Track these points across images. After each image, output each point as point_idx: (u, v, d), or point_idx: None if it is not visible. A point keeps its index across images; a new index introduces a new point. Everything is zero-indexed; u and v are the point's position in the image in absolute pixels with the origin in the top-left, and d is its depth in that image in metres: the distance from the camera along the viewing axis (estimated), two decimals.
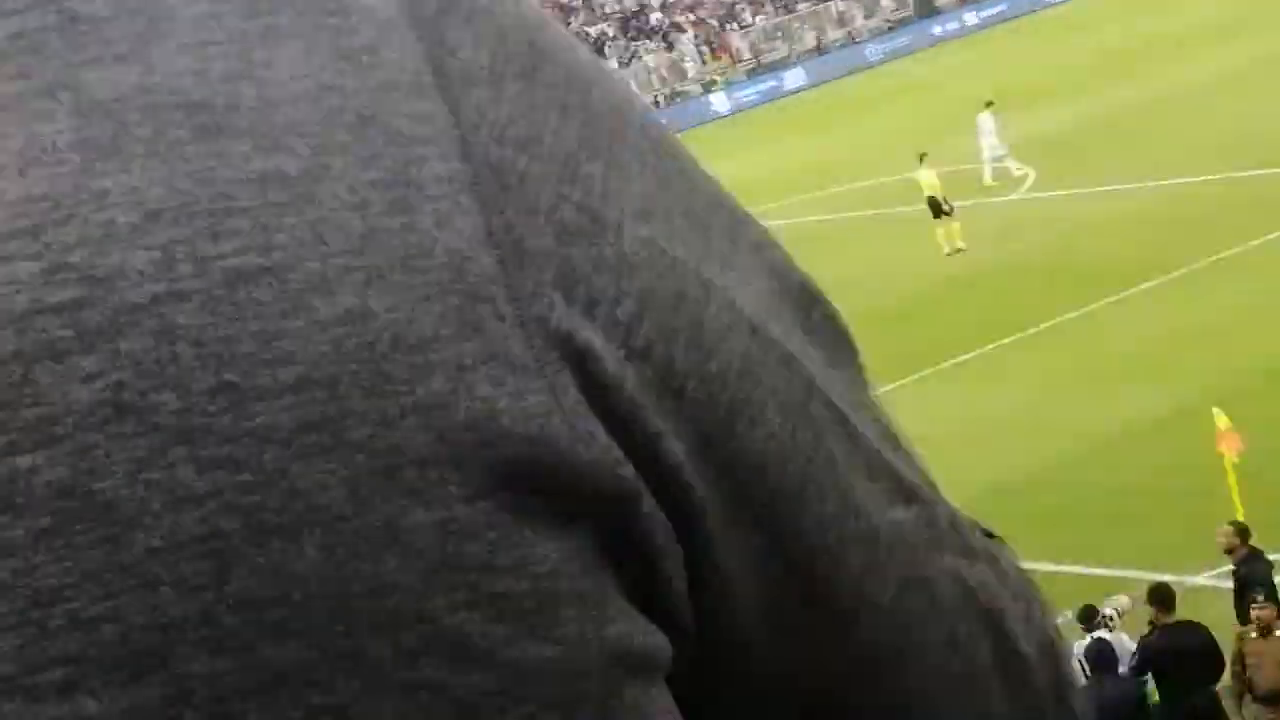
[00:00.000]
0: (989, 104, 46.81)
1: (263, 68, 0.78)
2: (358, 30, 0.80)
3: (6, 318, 0.72)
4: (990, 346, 31.22)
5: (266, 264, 0.75)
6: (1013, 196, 41.48)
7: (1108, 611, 16.98)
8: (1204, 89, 48.92)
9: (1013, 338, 31.35)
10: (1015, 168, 45.30)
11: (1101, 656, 15.61)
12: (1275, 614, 14.88)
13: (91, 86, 0.76)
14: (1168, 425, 24.64)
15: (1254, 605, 15.38)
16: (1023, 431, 26.64)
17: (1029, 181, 44.45)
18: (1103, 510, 22.69)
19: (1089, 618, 16.84)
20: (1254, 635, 15.17)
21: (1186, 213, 36.56)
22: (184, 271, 0.74)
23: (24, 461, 0.71)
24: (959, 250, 39.40)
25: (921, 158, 41.46)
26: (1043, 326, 31.43)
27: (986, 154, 46.02)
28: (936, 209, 40.52)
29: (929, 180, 40.92)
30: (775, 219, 50.55)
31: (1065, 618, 18.10)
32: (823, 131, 66.40)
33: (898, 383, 30.64)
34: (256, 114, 0.77)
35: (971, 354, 31.15)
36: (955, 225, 40.26)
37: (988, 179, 45.83)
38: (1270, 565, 17.21)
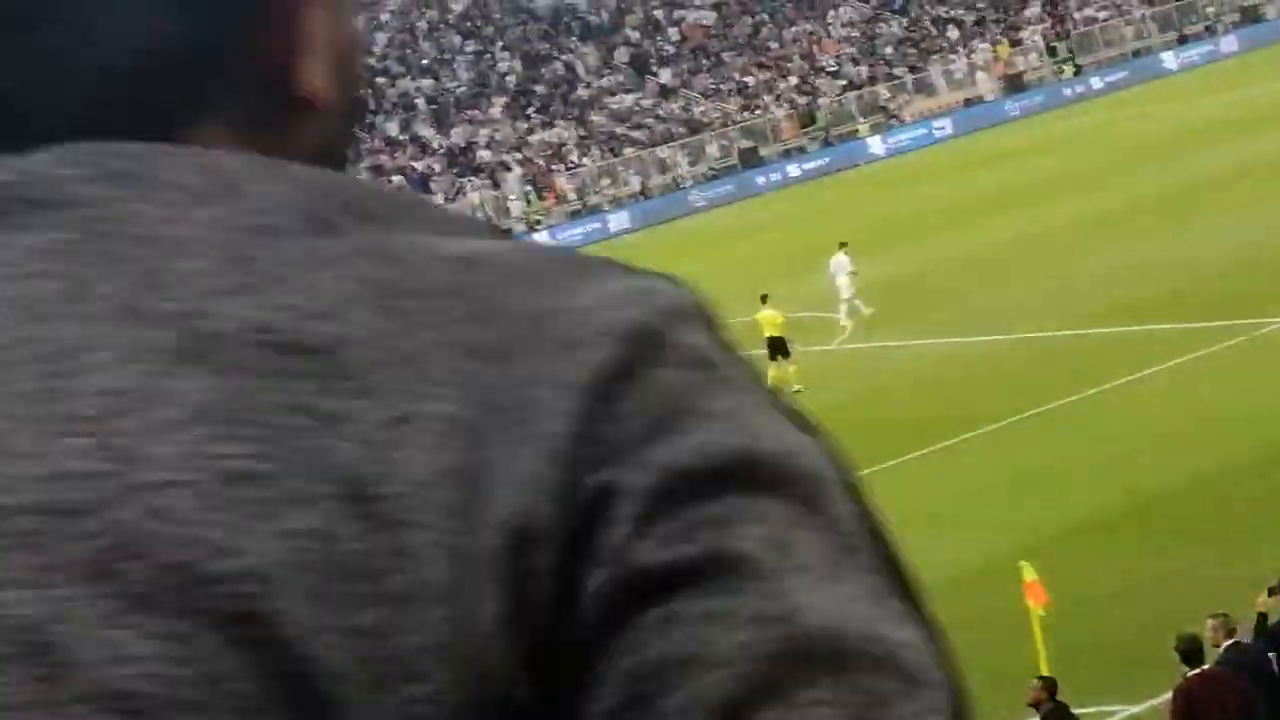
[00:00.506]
0: (843, 245, 47.61)
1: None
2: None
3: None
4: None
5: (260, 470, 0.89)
6: (830, 346, 41.93)
7: None
8: (1019, 247, 49.90)
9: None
10: (863, 306, 46.03)
11: None
12: None
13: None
14: (973, 578, 24.85)
15: None
16: None
17: (846, 333, 44.98)
18: None
19: None
20: None
21: (998, 369, 37.15)
22: (192, 465, 0.88)
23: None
24: (796, 392, 39.67)
25: (764, 298, 41.79)
26: (863, 472, 31.58)
27: (843, 293, 46.81)
28: (776, 349, 40.79)
29: (772, 319, 41.19)
30: None
31: None
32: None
33: None
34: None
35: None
36: (792, 368, 40.66)
37: (842, 319, 46.54)
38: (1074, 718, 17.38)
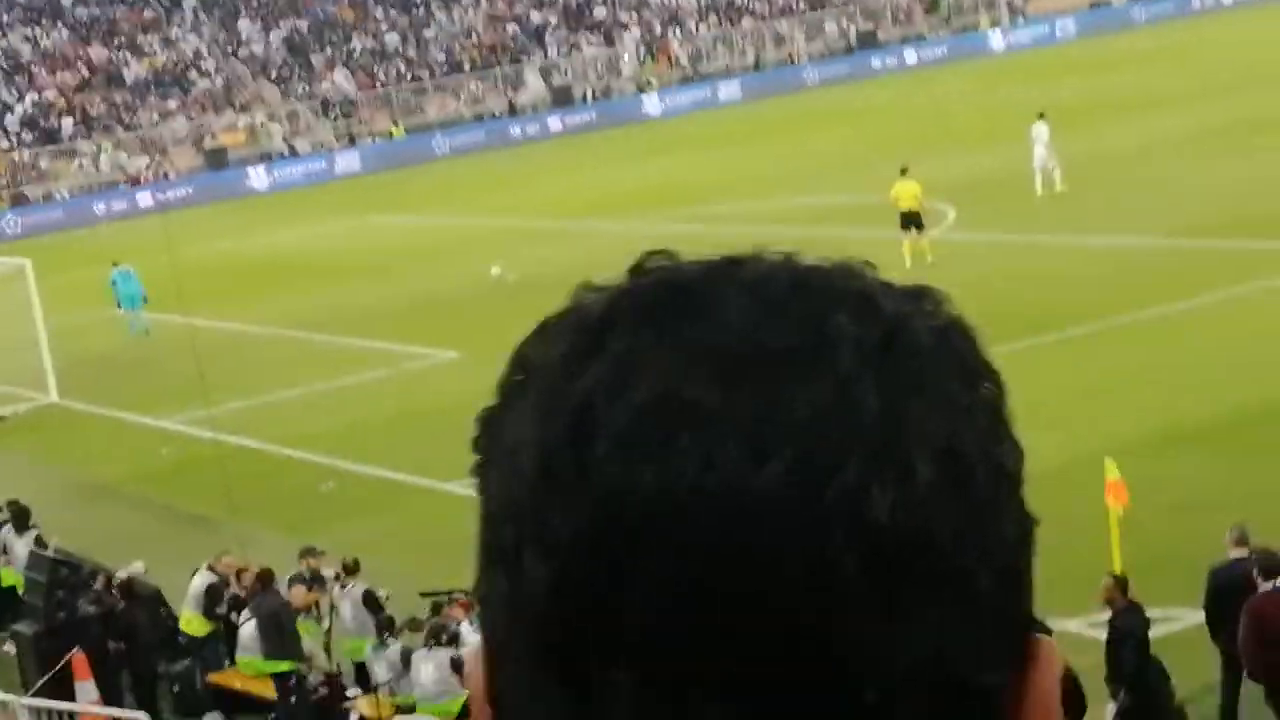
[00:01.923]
0: (1041, 115, 47.83)
1: None
2: None
3: None
4: None
5: None
6: (933, 233, 41.76)
7: None
8: (1133, 154, 49.49)
9: None
10: (1060, 180, 46.41)
11: None
12: None
13: None
14: (1055, 473, 24.86)
15: None
16: None
17: (949, 219, 44.76)
18: None
19: None
20: None
21: (1104, 270, 36.98)
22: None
23: None
24: (929, 265, 39.79)
25: (904, 171, 41.78)
26: None
27: (1037, 162, 47.17)
28: (910, 222, 40.78)
29: (911, 191, 41.14)
30: (698, 223, 50.78)
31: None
32: (755, 145, 66.75)
33: None
34: None
35: None
36: (925, 241, 40.69)
37: (1039, 188, 46.87)
38: (1147, 620, 17.39)
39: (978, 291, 37.01)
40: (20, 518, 25.34)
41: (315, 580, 21.60)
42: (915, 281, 1.27)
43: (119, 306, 48.08)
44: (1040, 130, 47.35)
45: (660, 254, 1.27)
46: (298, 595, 21.22)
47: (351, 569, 21.52)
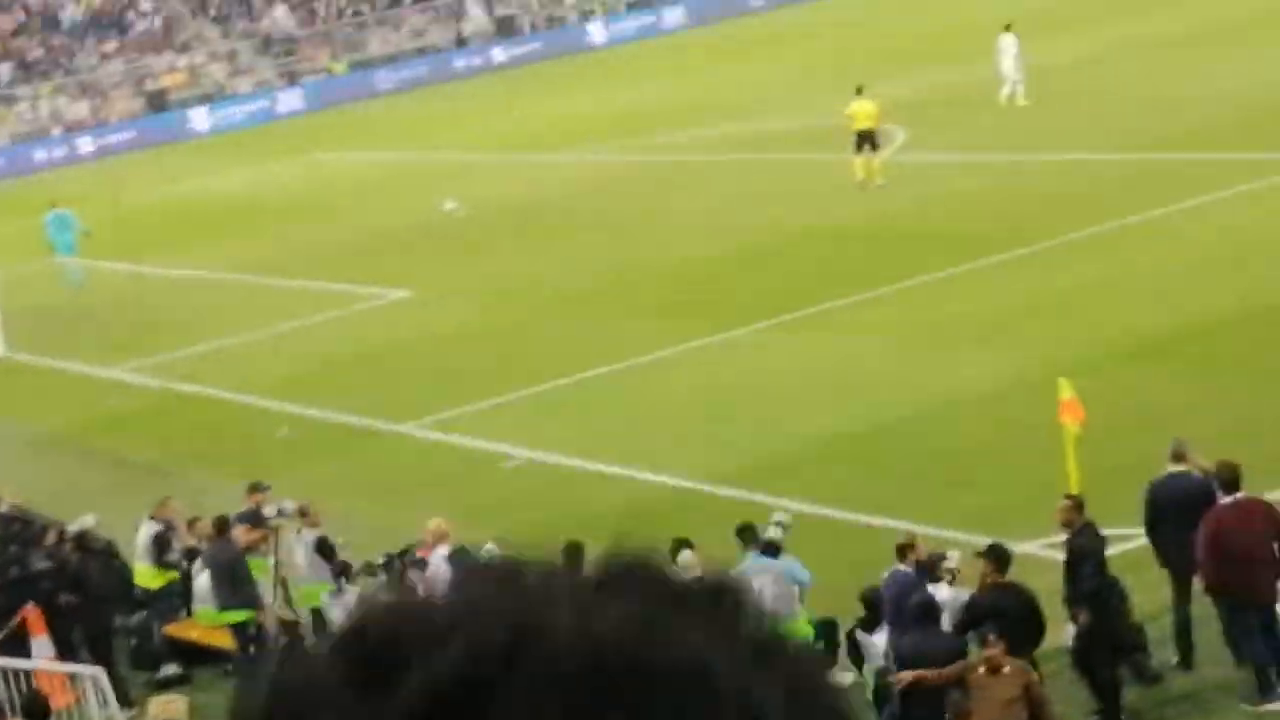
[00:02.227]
0: (1008, 26, 48.04)
1: None
2: None
3: None
4: (844, 300, 31.34)
5: None
6: (880, 156, 41.61)
7: (951, 564, 17.04)
8: (1074, 70, 49.42)
9: (867, 294, 31.48)
10: (1022, 95, 46.64)
11: (927, 610, 15.70)
12: (1004, 652, 14.69)
13: None
14: (1009, 393, 24.89)
15: (986, 644, 15.01)
16: (868, 385, 26.82)
17: (900, 140, 44.60)
18: (938, 470, 22.90)
19: (932, 567, 16.87)
20: (982, 671, 14.96)
21: (1048, 189, 36.93)
22: None
23: None
24: (878, 186, 39.78)
25: (859, 90, 41.68)
26: (897, 286, 31.60)
27: (1004, 74, 47.41)
28: (864, 141, 40.72)
29: (867, 110, 41.10)
30: (646, 154, 50.56)
31: (901, 568, 18.24)
32: (702, 72, 66.49)
33: (751, 326, 30.79)
34: None
35: (825, 305, 31.25)
36: (877, 162, 40.64)
37: (1003, 98, 47.14)
38: (1103, 540, 17.38)
39: (930, 211, 37.05)
40: None
41: (257, 519, 21.47)
42: (707, 580, 1.40)
43: (54, 252, 47.50)
44: (1007, 42, 47.38)
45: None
46: (240, 534, 21.09)
47: (305, 514, 21.38)
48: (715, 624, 1.36)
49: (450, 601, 1.36)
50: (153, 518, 22.35)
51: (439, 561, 18.82)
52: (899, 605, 16.01)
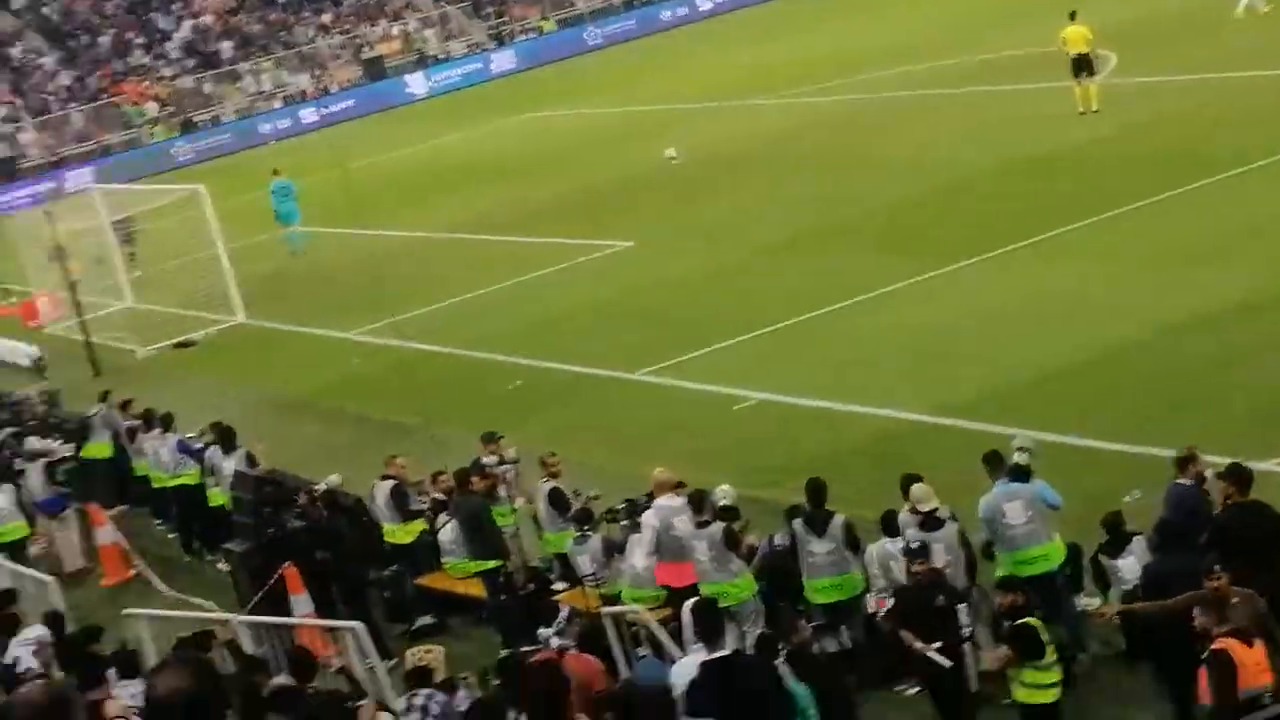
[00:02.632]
0: None
1: None
2: None
3: None
4: (1061, 229, 31.15)
5: None
6: (1096, 80, 41.18)
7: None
8: None
9: (1085, 221, 31.26)
10: (1264, 5, 46.66)
11: (1172, 530, 15.67)
12: (1229, 583, 14.13)
13: None
14: (1233, 314, 24.67)
15: (1210, 575, 14.22)
16: (1091, 312, 26.67)
17: (1112, 64, 44.11)
18: (1165, 394, 22.77)
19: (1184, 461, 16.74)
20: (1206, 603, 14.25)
21: (1269, 105, 36.35)
22: None
23: None
24: (1094, 112, 39.53)
25: (1073, 15, 41.35)
26: (1116, 212, 31.33)
27: None
28: (1081, 67, 40.42)
29: (1080, 34, 40.80)
30: (854, 94, 50.45)
31: (1133, 496, 18.26)
32: (910, 7, 66.08)
33: (970, 259, 30.75)
34: None
35: (1043, 235, 31.09)
36: (1094, 88, 40.34)
37: (1239, 12, 47.07)
38: None
39: (1146, 134, 36.65)
40: (226, 438, 25.91)
41: (485, 469, 21.92)
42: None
43: (277, 220, 48.69)
44: None
45: None
46: (475, 484, 21.49)
47: (545, 465, 21.75)
48: None
49: None
50: (384, 477, 22.91)
51: (668, 504, 19.09)
52: (1179, 519, 15.91)
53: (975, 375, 25.07)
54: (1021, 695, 14.73)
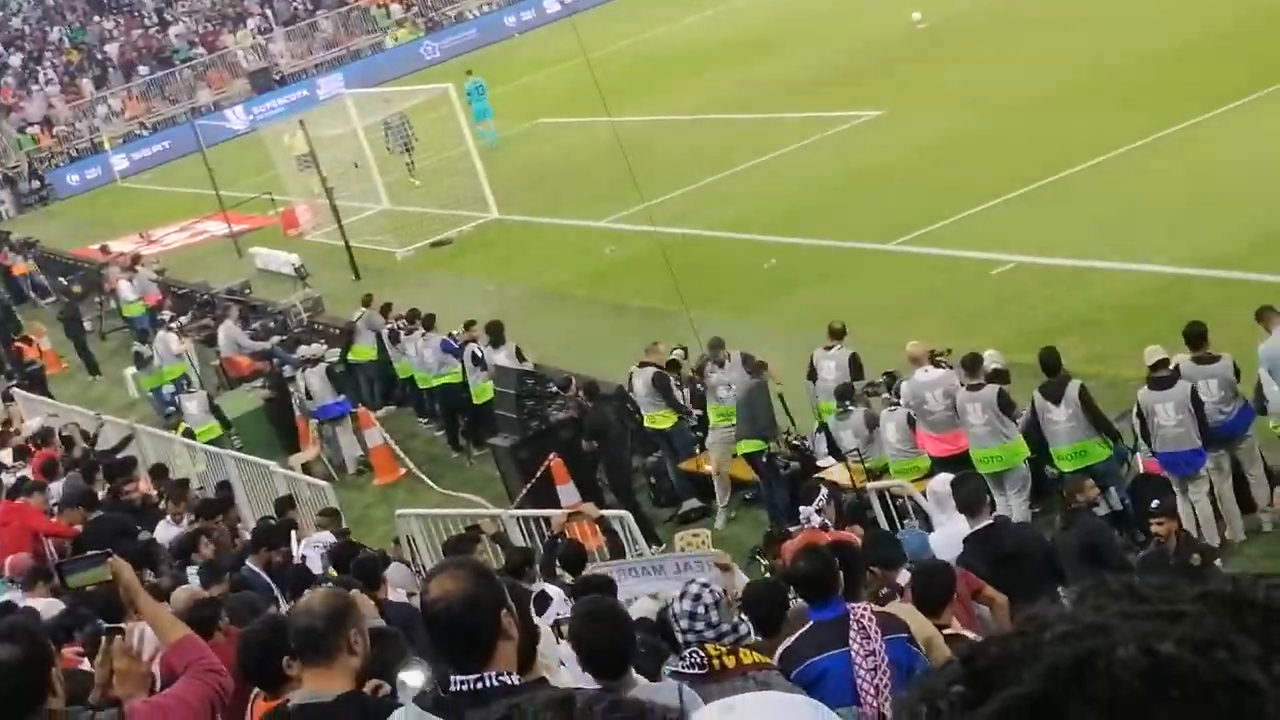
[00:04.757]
0: None
1: None
2: None
3: None
4: None
5: None
6: None
7: None
8: None
9: None
10: None
11: None
12: None
13: None
14: None
15: None
16: None
17: None
18: None
19: None
20: None
21: None
22: None
23: None
24: None
25: None
26: None
27: None
28: None
29: None
30: None
31: None
32: None
33: (1234, 103, 29.82)
34: None
35: None
36: None
37: None
38: None
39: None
40: (496, 333, 26.13)
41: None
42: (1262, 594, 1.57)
43: (474, 118, 48.52)
44: None
45: None
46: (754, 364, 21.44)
47: (837, 334, 21.43)
48: (1270, 643, 1.48)
49: (1036, 626, 1.56)
50: (643, 364, 22.86)
51: (921, 379, 18.85)
52: None
53: (1243, 224, 24.32)
54: None
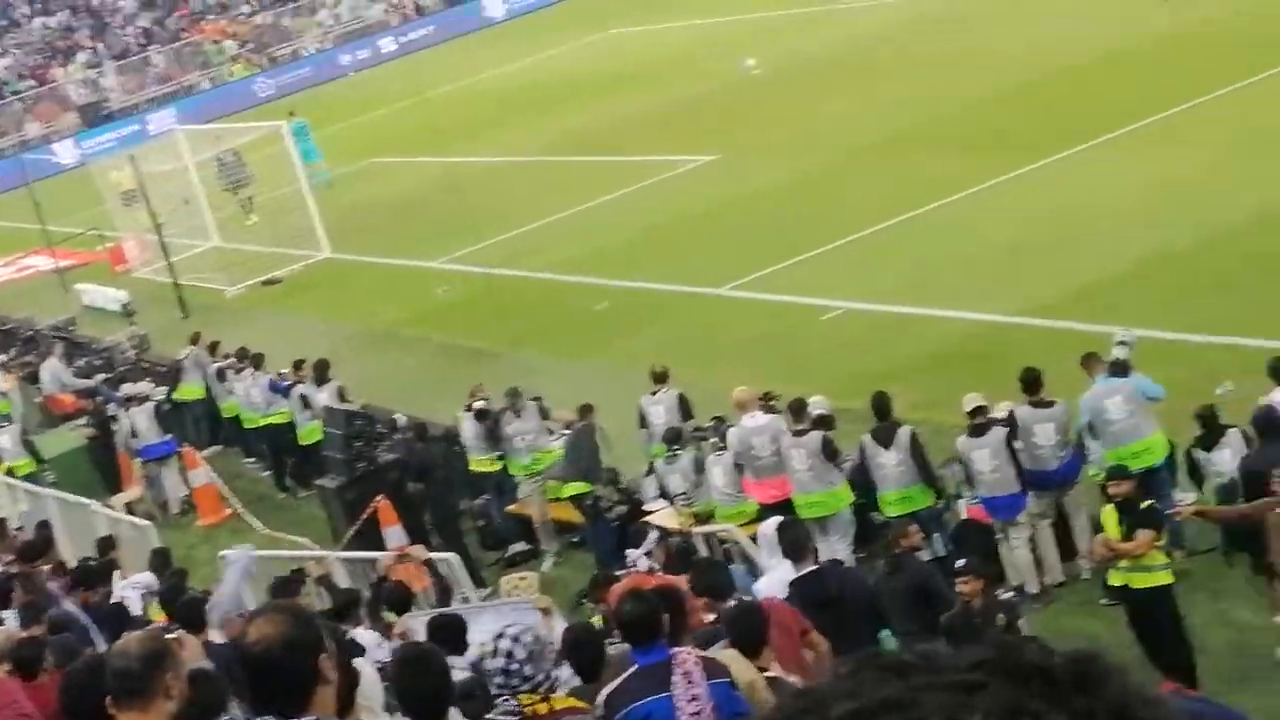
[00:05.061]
0: None
1: None
2: None
3: None
4: (1158, 116, 30.66)
5: None
6: None
7: None
8: None
9: (1183, 106, 30.77)
10: None
11: (1268, 421, 15.41)
12: None
13: None
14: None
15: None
16: (1191, 200, 26.23)
17: None
18: (1268, 284, 22.34)
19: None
20: None
21: None
22: None
23: None
24: None
25: None
26: (1213, 95, 30.80)
27: None
28: None
29: None
30: None
31: (1224, 388, 17.96)
32: None
33: (1065, 151, 30.33)
34: None
35: (1139, 122, 30.62)
36: None
37: None
38: None
39: (1245, 15, 35.88)
40: (320, 371, 25.95)
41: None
42: (1073, 663, 1.63)
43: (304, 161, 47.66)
44: None
45: None
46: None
47: (661, 377, 21.51)
48: (1075, 711, 1.52)
49: (816, 703, 1.57)
50: (468, 408, 22.81)
51: (749, 424, 18.96)
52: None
53: (1069, 271, 24.72)
54: (1141, 581, 14.51)
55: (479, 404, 22.76)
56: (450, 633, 12.13)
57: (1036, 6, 43.83)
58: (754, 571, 15.90)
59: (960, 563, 14.04)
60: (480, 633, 12.81)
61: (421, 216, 40.85)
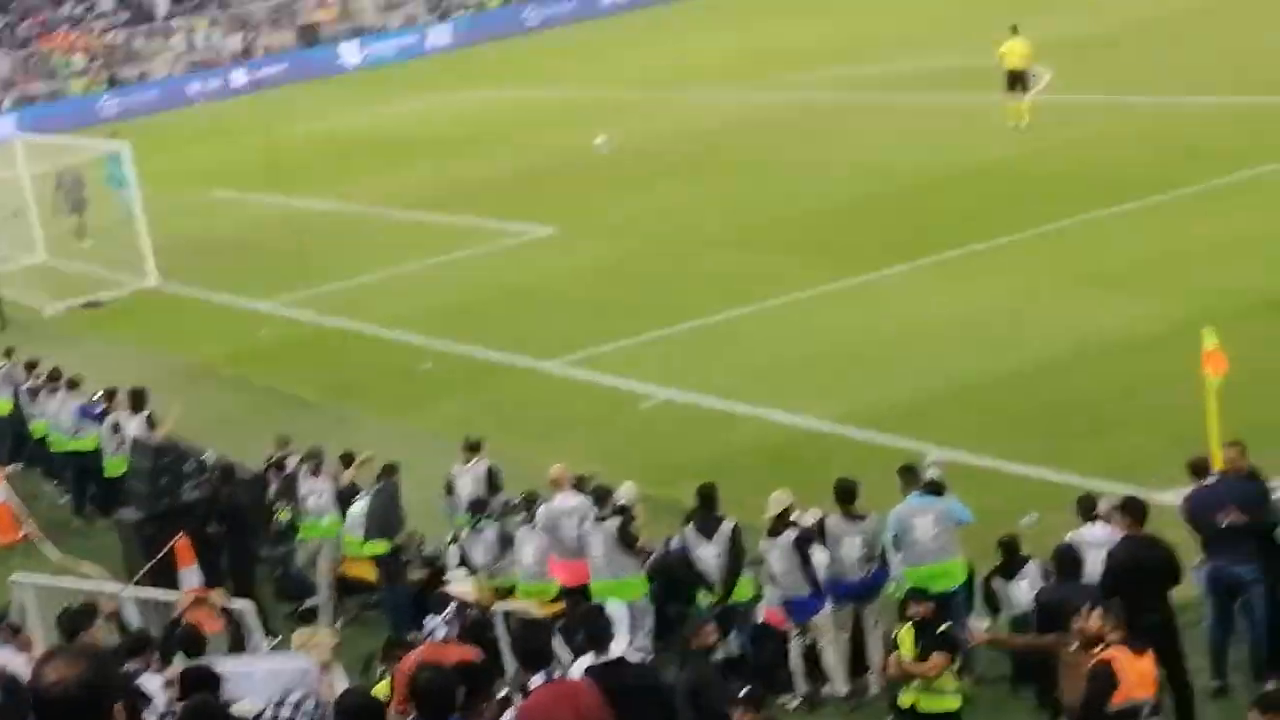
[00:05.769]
0: None
1: None
2: None
3: None
4: (984, 244, 31.12)
5: None
6: (1028, 97, 41.25)
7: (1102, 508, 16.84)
8: (1203, 14, 48.74)
9: (1008, 238, 31.26)
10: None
11: (1068, 558, 15.66)
12: (1113, 627, 13.99)
13: None
14: (1151, 341, 24.67)
15: (1082, 615, 14.28)
16: (1012, 329, 26.65)
17: (1044, 81, 44.18)
18: (1076, 417, 22.73)
19: (1088, 509, 16.73)
20: (1075, 646, 14.22)
21: (1199, 133, 36.47)
22: None
23: None
24: (1025, 127, 39.59)
25: (1014, 29, 41.48)
26: (1039, 230, 31.33)
27: None
28: (1014, 82, 40.58)
29: (1022, 51, 41.05)
30: (795, 90, 50.37)
31: (1030, 519, 18.26)
32: (854, 7, 66.11)
33: (891, 269, 30.71)
34: None
35: (966, 248, 31.06)
36: (1026, 103, 40.45)
37: None
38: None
39: (1075, 154, 36.70)
40: (136, 400, 25.61)
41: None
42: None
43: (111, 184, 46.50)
44: None
45: None
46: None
47: (474, 446, 21.47)
48: None
49: None
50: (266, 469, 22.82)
51: (559, 504, 18.95)
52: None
53: (885, 386, 25.02)
54: (930, 704, 14.66)
55: (279, 455, 22.65)
56: (200, 686, 11.96)
57: (885, 120, 44.43)
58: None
59: (743, 691, 14.03)
60: (257, 692, 12.68)
61: (255, 255, 40.55)
